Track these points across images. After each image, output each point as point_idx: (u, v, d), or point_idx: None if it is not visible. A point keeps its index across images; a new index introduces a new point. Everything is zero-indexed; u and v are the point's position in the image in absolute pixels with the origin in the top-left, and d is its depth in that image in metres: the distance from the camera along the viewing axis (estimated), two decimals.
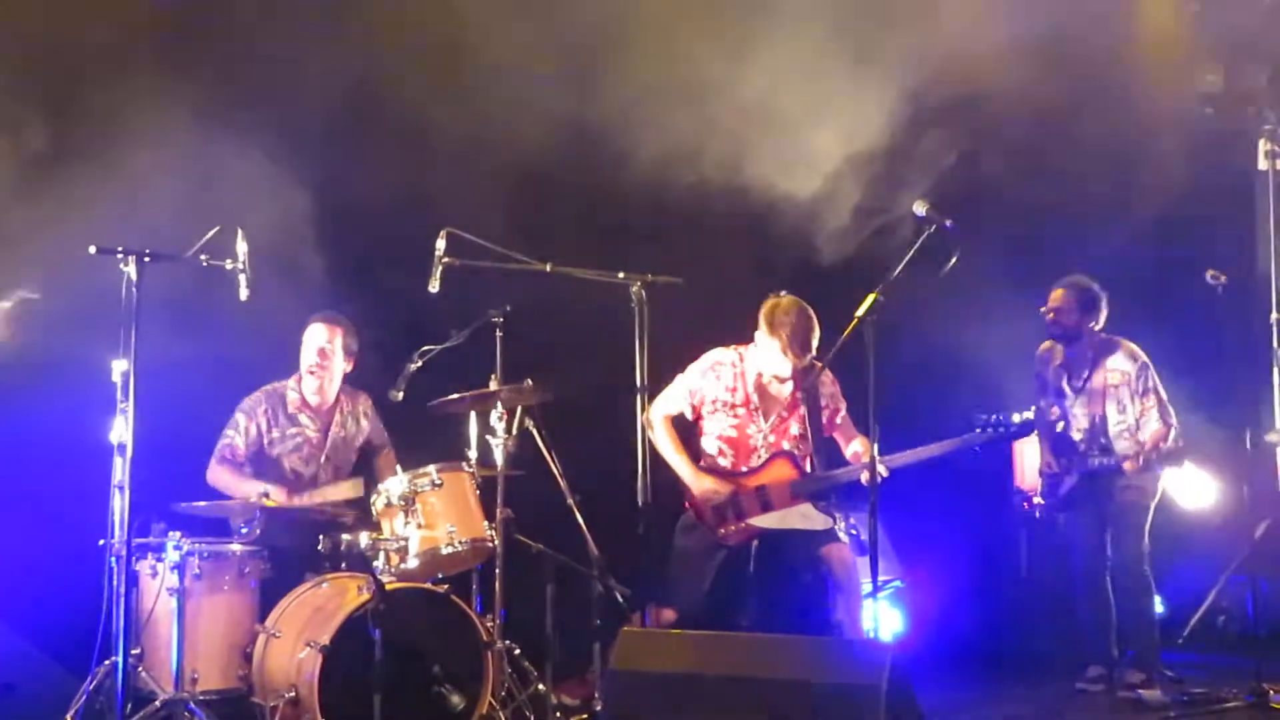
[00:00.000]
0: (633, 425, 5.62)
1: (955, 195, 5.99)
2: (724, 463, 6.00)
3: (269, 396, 6.08)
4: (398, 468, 5.64)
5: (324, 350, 6.07)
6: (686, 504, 5.98)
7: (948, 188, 6.33)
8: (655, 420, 5.96)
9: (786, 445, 5.95)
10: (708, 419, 6.02)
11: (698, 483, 5.89)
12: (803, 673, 4.21)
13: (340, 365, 6.13)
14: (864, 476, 5.51)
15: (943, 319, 7.00)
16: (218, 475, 5.95)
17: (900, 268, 5.21)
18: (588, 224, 6.56)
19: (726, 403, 5.97)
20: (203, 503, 5.54)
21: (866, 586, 5.45)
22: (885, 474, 5.61)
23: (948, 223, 5.22)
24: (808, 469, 5.95)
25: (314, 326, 6.09)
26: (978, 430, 5.68)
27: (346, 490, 5.83)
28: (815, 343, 5.84)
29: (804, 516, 5.86)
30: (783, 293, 5.92)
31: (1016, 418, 5.61)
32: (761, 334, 5.90)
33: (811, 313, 5.86)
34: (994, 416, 5.67)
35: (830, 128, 6.43)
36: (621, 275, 5.57)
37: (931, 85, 6.50)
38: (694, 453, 6.01)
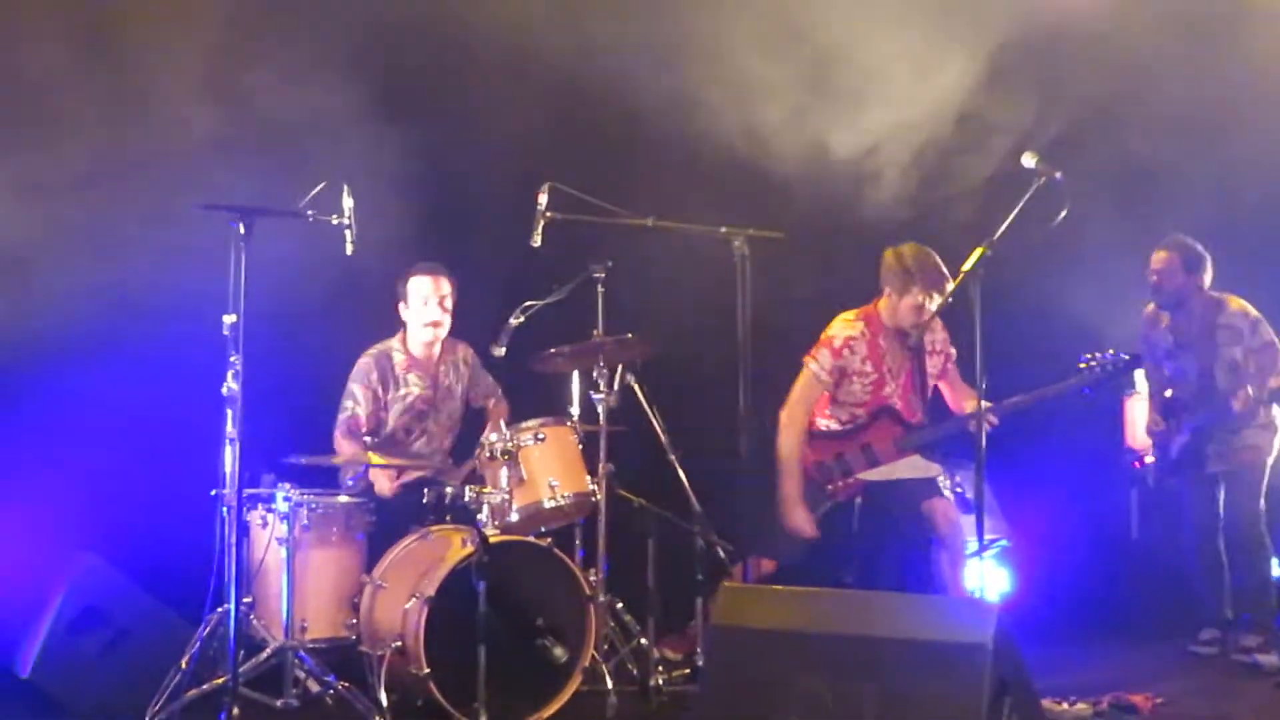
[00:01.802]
0: (733, 380, 5.61)
1: (1062, 150, 5.85)
2: (824, 423, 5.97)
3: (377, 361, 6.09)
4: (500, 421, 5.67)
5: (442, 300, 6.05)
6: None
7: (1052, 142, 6.19)
8: (790, 425, 5.93)
9: (895, 402, 5.89)
10: (844, 389, 5.98)
11: (791, 512, 5.87)
12: (907, 630, 4.14)
13: (449, 317, 6.14)
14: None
15: (1049, 274, 6.87)
16: (343, 448, 5.98)
17: (1008, 221, 5.10)
18: (690, 178, 6.50)
19: (863, 372, 5.94)
20: (306, 458, 5.60)
21: (971, 545, 5.39)
22: (995, 422, 5.57)
23: (1057, 175, 5.10)
24: (915, 420, 5.91)
25: (421, 280, 6.05)
26: (1084, 368, 5.62)
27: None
28: (948, 278, 5.76)
29: (911, 466, 5.83)
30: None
31: (1124, 356, 5.56)
32: (891, 287, 5.84)
33: (934, 253, 5.81)
34: (1097, 354, 5.65)
35: (930, 83, 6.33)
36: (724, 229, 5.53)
37: (1032, 35, 6.34)
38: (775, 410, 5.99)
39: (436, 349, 6.18)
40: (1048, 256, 6.42)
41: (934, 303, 5.79)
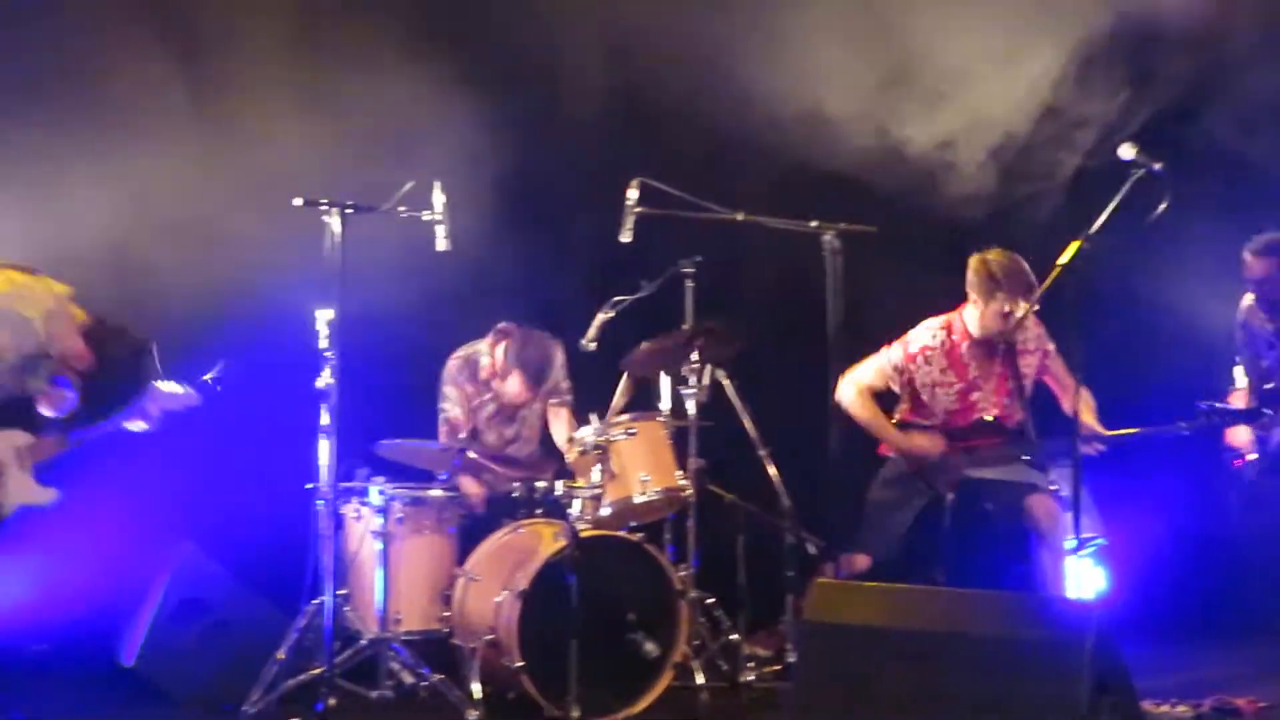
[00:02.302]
0: (823, 375, 5.57)
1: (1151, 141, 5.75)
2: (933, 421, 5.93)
3: (465, 364, 6.10)
4: (592, 416, 5.66)
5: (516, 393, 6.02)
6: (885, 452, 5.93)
7: (1140, 133, 6.08)
8: (850, 391, 5.87)
9: (989, 411, 5.83)
10: (924, 397, 5.92)
11: (907, 442, 5.82)
12: (1004, 629, 4.09)
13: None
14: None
15: (1144, 267, 6.73)
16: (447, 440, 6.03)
17: (1106, 214, 5.02)
18: (779, 173, 6.48)
19: (945, 383, 5.88)
20: (399, 440, 5.62)
21: (1069, 543, 5.31)
22: (1101, 449, 5.51)
23: (1156, 166, 5.00)
24: (1014, 423, 5.82)
25: (518, 380, 5.92)
26: (1202, 415, 5.54)
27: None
28: (1035, 287, 5.66)
29: (1014, 472, 5.76)
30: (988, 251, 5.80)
31: (1240, 408, 5.54)
32: (976, 294, 5.77)
33: (1022, 260, 5.73)
34: (1216, 403, 5.60)
35: (1015, 76, 6.24)
36: (814, 224, 5.49)
37: (1119, 25, 6.23)
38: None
39: None
40: (1142, 249, 6.29)
41: (1020, 310, 5.69)
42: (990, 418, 5.83)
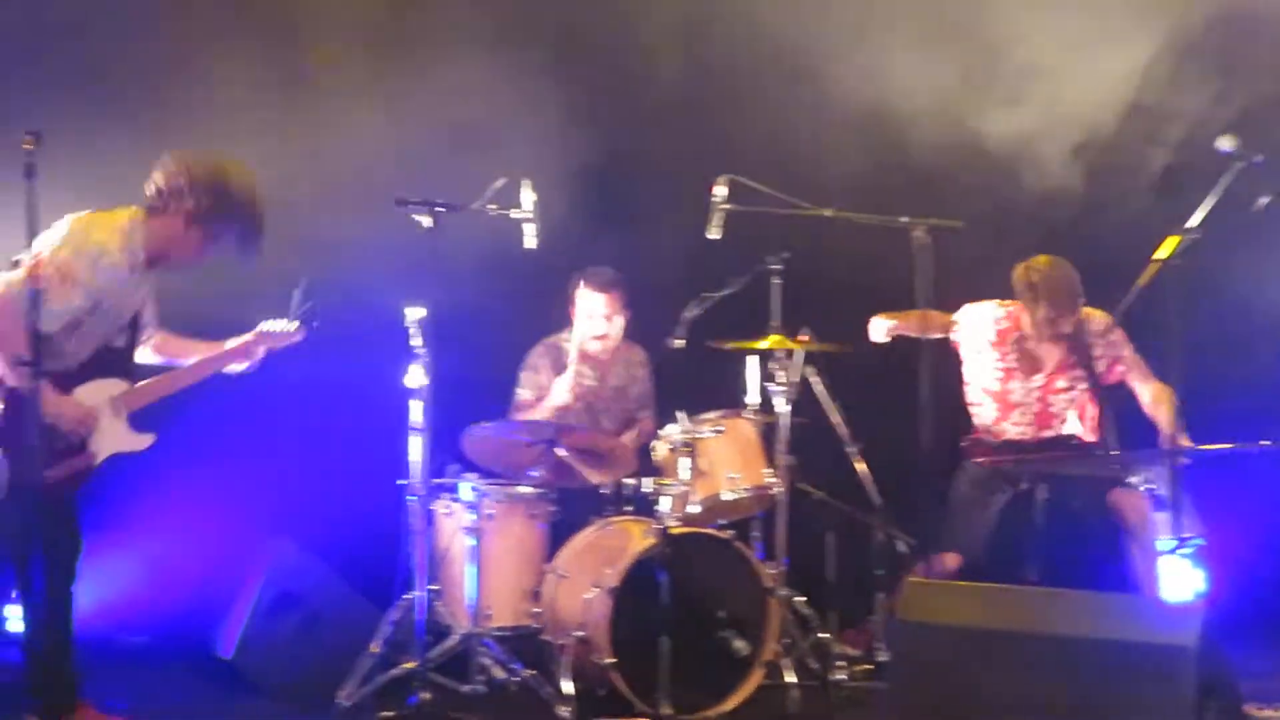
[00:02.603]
0: (913, 372, 5.51)
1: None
2: (985, 415, 5.85)
3: (549, 349, 6.19)
4: (679, 413, 5.63)
5: (608, 316, 6.12)
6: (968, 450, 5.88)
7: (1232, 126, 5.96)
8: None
9: (1052, 408, 5.76)
10: (968, 365, 5.90)
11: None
12: (1104, 630, 4.03)
13: (620, 325, 6.19)
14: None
15: (1240, 261, 6.59)
16: None
17: (1207, 208, 4.92)
18: (869, 169, 6.43)
19: (985, 352, 5.86)
20: (490, 424, 5.63)
21: (1167, 544, 5.22)
22: (1186, 461, 5.42)
23: (1258, 158, 4.90)
24: (1088, 438, 5.75)
25: (588, 295, 6.08)
26: None
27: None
28: (1080, 298, 5.66)
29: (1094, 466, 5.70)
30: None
31: None
32: (1022, 301, 5.76)
33: (1070, 268, 5.65)
34: None
35: (1105, 69, 6.14)
36: (904, 220, 5.45)
37: (1212, 16, 6.10)
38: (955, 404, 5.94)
39: (610, 351, 6.25)
40: (1242, 244, 6.16)
41: (1067, 322, 5.66)
42: (1060, 429, 5.76)
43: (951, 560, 5.73)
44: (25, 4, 5.65)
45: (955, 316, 5.96)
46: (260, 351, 5.13)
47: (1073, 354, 5.79)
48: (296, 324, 5.18)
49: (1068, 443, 5.82)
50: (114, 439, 4.70)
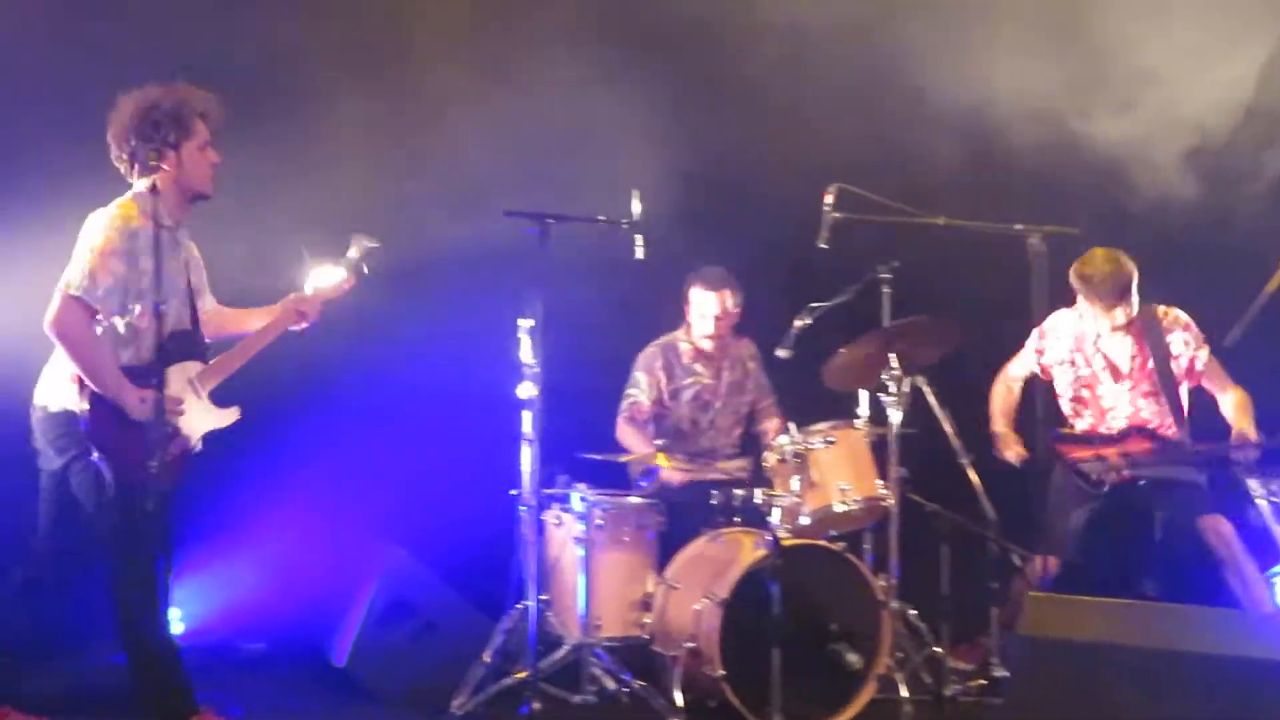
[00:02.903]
0: (1029, 382, 5.42)
1: None
2: (1082, 424, 5.76)
3: (663, 350, 6.24)
4: (790, 425, 5.63)
5: (718, 317, 6.15)
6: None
7: None
8: (999, 379, 5.93)
9: (1143, 413, 5.63)
10: (1058, 379, 5.82)
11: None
12: (1233, 647, 3.93)
13: (732, 322, 6.21)
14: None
15: None
16: (625, 434, 6.16)
17: None
18: (980, 175, 6.35)
19: (1070, 363, 5.78)
20: (600, 455, 5.71)
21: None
22: (1255, 455, 5.28)
23: None
24: (1169, 433, 5.60)
25: (702, 294, 6.13)
26: None
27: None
28: (1134, 292, 5.56)
29: (1183, 472, 5.54)
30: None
31: None
32: (1079, 294, 5.66)
33: (1124, 261, 5.56)
34: None
35: (1219, 73, 6.00)
36: (1018, 227, 5.36)
37: None
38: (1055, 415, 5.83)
39: (724, 346, 6.28)
40: None
41: (1117, 315, 5.58)
42: (1143, 414, 5.63)
43: (1052, 563, 5.60)
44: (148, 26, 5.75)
45: (1040, 329, 5.85)
46: (318, 305, 5.00)
47: (1149, 351, 5.67)
48: (345, 272, 5.06)
49: (1143, 430, 5.67)
50: (202, 419, 4.68)
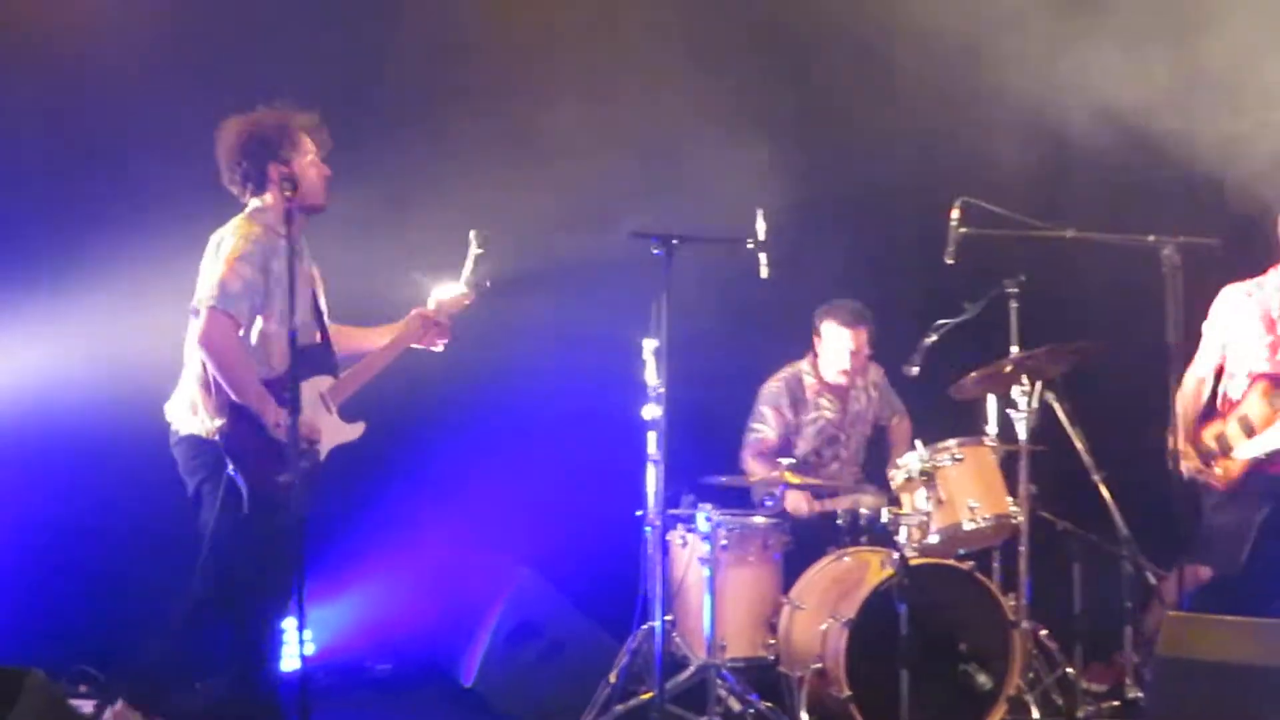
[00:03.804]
0: (1162, 396, 5.28)
1: None
2: (1254, 407, 5.49)
3: (787, 384, 6.17)
4: (917, 442, 5.57)
5: (854, 353, 6.11)
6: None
7: None
8: (1180, 389, 5.53)
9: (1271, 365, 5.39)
10: (1235, 359, 5.55)
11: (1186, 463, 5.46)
12: None
13: (865, 357, 6.17)
14: None
15: None
16: (752, 468, 6.12)
17: None
18: (1110, 186, 6.24)
19: (1253, 334, 5.50)
20: (725, 478, 5.70)
21: None
22: None
23: None
24: None
25: (836, 329, 6.08)
26: None
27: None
28: None
29: None
30: None
31: None
32: None
33: None
34: None
35: None
36: (1152, 238, 5.25)
37: None
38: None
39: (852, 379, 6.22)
40: None
41: None
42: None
43: (1203, 573, 5.42)
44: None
45: (1210, 331, 5.63)
46: (444, 320, 5.01)
47: None
48: (466, 288, 5.07)
49: (1269, 375, 5.41)
50: (331, 433, 4.73)
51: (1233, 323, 5.60)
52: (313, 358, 4.67)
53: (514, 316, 5.44)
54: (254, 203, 4.66)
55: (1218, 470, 5.48)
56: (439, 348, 5.04)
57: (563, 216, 5.97)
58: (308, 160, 4.66)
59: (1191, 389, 5.67)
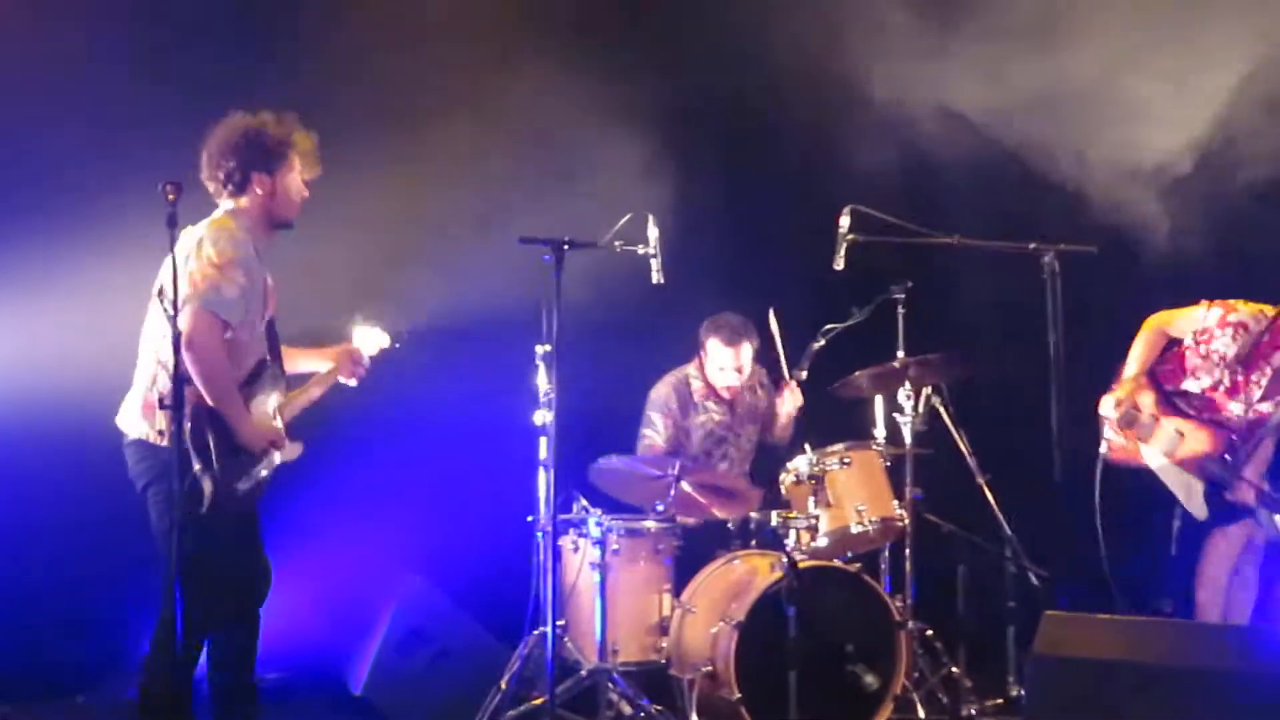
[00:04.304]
0: (1045, 400, 5.39)
1: None
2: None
3: (675, 388, 6.20)
4: (806, 445, 5.63)
5: (738, 370, 6.13)
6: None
7: None
8: (1150, 321, 5.62)
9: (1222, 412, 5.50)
10: (1194, 368, 5.56)
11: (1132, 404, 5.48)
12: (1246, 663, 3.92)
13: (750, 365, 6.18)
14: None
15: None
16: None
17: None
18: (993, 195, 6.36)
19: (1221, 365, 5.50)
20: (617, 457, 5.63)
21: None
22: None
23: None
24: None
25: (720, 347, 6.09)
26: None
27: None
28: None
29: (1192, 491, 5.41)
30: None
31: None
32: None
33: None
34: None
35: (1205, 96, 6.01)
36: (1033, 246, 5.36)
37: None
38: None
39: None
40: None
41: None
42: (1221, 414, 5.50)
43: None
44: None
45: (1208, 322, 5.53)
46: (365, 360, 5.04)
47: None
48: (389, 340, 5.13)
49: (1218, 425, 5.51)
50: (283, 450, 4.72)
51: (1217, 340, 5.55)
52: (267, 370, 4.65)
53: (404, 322, 5.38)
54: (226, 203, 4.61)
55: (1121, 440, 5.52)
56: (353, 383, 5.03)
57: (452, 222, 5.95)
58: (291, 176, 4.65)
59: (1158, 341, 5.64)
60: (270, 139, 4.61)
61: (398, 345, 5.15)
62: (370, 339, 5.08)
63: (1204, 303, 5.55)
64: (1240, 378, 5.49)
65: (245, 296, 4.43)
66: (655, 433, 6.15)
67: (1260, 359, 5.46)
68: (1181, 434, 5.45)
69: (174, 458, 4.20)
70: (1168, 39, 5.95)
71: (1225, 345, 5.49)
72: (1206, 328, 5.52)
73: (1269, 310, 5.48)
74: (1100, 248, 5.47)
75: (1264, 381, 5.46)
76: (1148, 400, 5.54)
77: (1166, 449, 5.46)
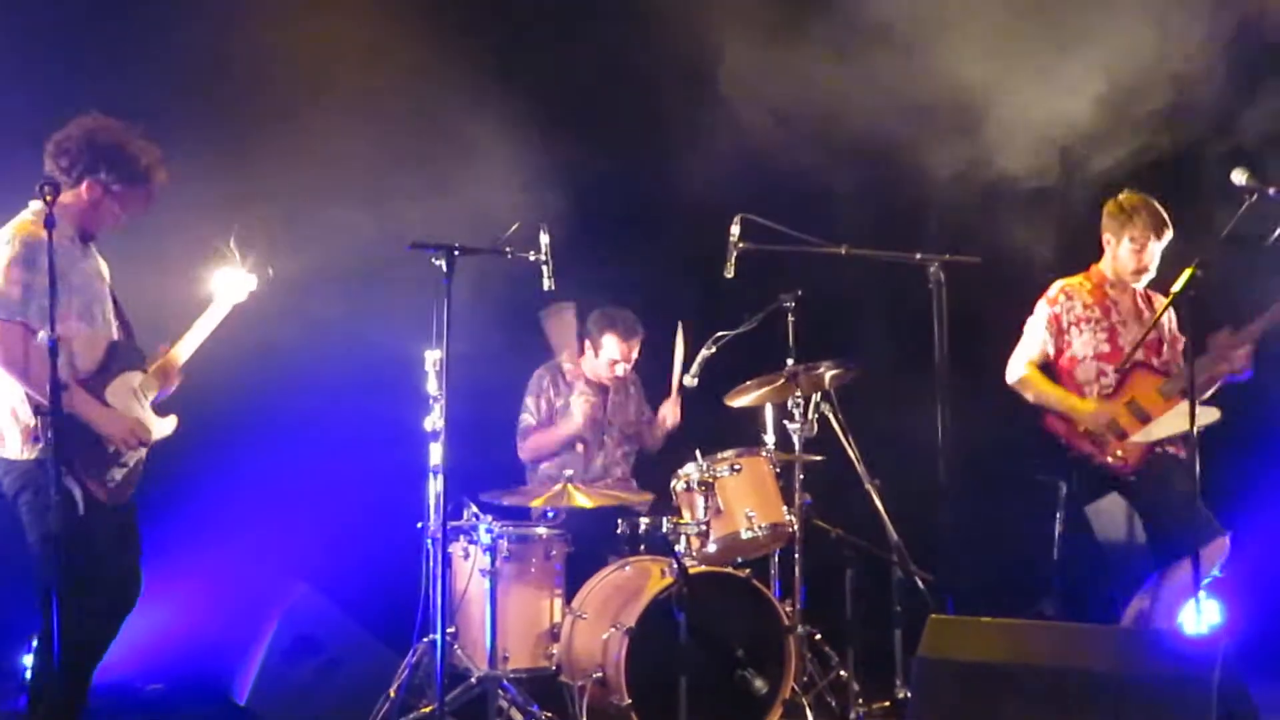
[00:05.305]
0: (931, 407, 5.48)
1: None
2: (1107, 384, 5.68)
3: (549, 370, 6.34)
4: (696, 452, 5.66)
5: (629, 363, 6.26)
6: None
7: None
8: (1017, 368, 5.77)
9: (1141, 353, 5.61)
10: (1075, 342, 5.71)
11: (1094, 416, 5.58)
12: (1126, 665, 4.02)
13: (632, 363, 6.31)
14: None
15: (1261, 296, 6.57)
16: (527, 452, 6.29)
17: (1219, 241, 4.95)
18: (882, 205, 6.45)
19: (1091, 319, 5.70)
20: (510, 498, 5.65)
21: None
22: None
23: (1271, 191, 4.94)
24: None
25: (616, 342, 6.21)
26: None
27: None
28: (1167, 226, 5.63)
29: (1180, 415, 5.30)
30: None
31: None
32: (1110, 233, 5.71)
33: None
34: None
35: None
36: (919, 256, 5.45)
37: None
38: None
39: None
40: (1258, 276, 6.15)
41: (1155, 245, 5.60)
42: (1142, 355, 5.62)
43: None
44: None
45: (1044, 316, 5.76)
46: (177, 371, 4.93)
47: (1149, 305, 5.74)
48: (249, 274, 5.06)
49: (1147, 364, 5.62)
50: (150, 429, 4.68)
51: (1063, 310, 5.75)
52: (120, 353, 4.59)
53: (292, 326, 5.33)
54: (35, 205, 4.50)
55: (1119, 453, 5.59)
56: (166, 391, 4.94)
57: (343, 226, 5.89)
58: (121, 195, 4.60)
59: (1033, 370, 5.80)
60: (131, 157, 4.58)
61: (264, 281, 5.09)
62: (238, 285, 5.02)
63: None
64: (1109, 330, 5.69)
65: (33, 293, 4.32)
66: (529, 414, 6.29)
67: (1105, 315, 5.70)
68: (1161, 396, 5.56)
69: (50, 468, 4.13)
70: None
71: (1069, 312, 5.71)
72: (1052, 315, 5.72)
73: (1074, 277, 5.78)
74: (985, 258, 5.59)
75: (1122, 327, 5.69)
76: (1116, 409, 5.62)
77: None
